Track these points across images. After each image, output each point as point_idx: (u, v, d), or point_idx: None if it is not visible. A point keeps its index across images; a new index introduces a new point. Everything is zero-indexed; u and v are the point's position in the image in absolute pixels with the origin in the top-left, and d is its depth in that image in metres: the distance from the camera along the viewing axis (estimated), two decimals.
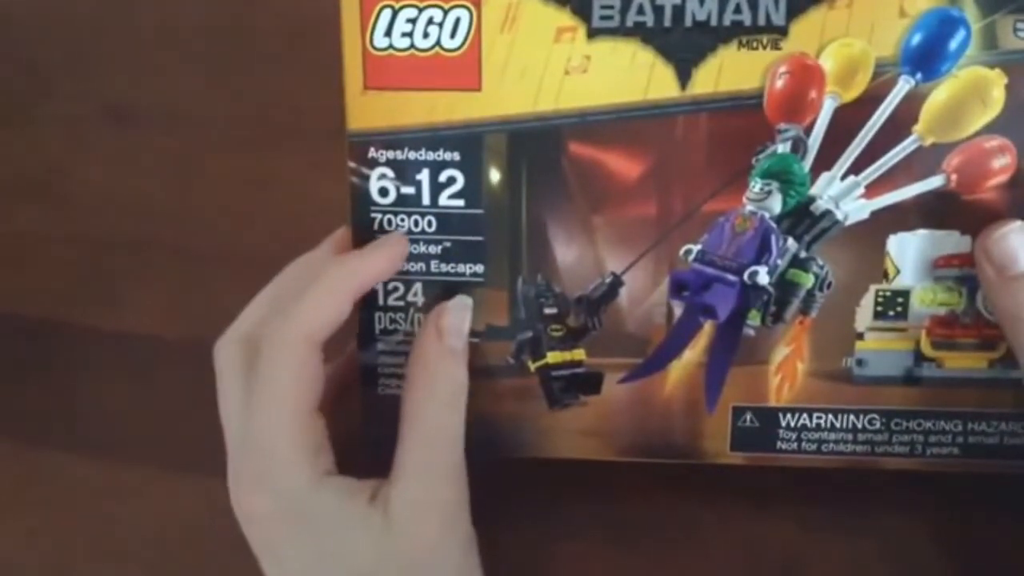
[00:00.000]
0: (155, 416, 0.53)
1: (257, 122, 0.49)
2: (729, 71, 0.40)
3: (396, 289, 0.44)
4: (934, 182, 0.41)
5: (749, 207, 0.42)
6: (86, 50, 0.51)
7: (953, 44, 0.39)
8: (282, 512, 0.40)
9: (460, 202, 0.43)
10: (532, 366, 0.44)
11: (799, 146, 0.41)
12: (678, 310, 0.43)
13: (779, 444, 0.44)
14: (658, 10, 0.40)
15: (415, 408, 0.41)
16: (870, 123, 0.40)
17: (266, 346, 0.40)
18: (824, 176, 0.41)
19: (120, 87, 0.51)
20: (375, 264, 0.42)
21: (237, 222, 0.51)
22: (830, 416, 0.44)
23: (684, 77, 0.41)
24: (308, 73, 0.48)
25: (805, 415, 0.44)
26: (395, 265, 0.43)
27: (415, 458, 0.41)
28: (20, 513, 0.54)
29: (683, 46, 0.40)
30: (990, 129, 0.40)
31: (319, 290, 0.41)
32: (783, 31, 0.40)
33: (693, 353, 0.44)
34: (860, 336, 0.43)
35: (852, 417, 0.44)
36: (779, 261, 0.42)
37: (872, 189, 0.41)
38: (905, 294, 0.42)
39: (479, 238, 0.43)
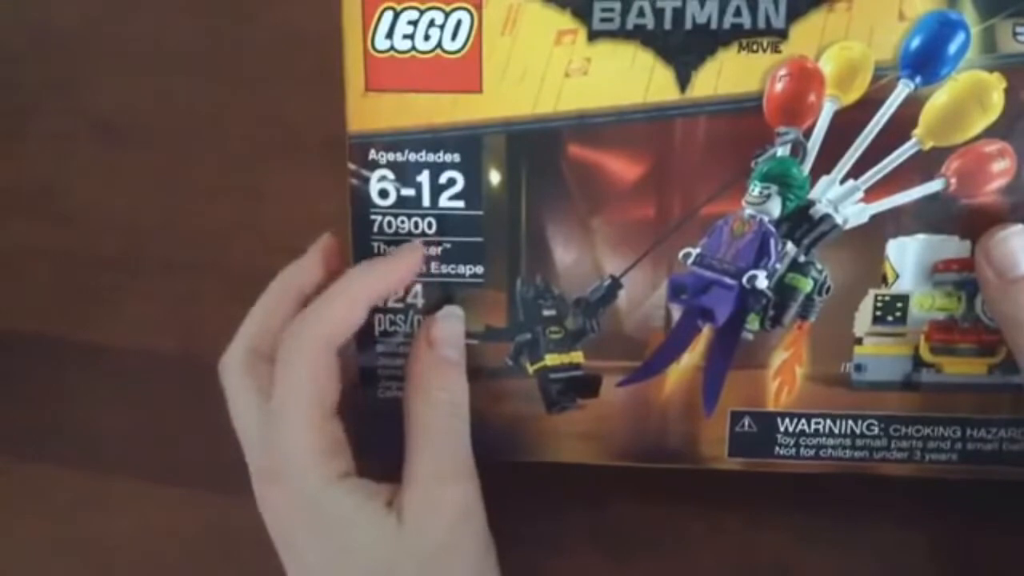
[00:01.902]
0: (146, 430, 0.53)
1: (247, 136, 0.50)
2: (729, 74, 0.41)
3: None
4: (933, 186, 0.41)
5: (748, 210, 0.42)
6: (74, 65, 0.51)
7: (952, 48, 0.39)
8: (299, 509, 0.41)
9: (460, 203, 0.43)
10: (530, 368, 0.44)
11: (798, 149, 0.41)
12: (677, 313, 0.43)
13: (777, 449, 0.44)
14: (658, 13, 0.40)
15: (415, 419, 0.42)
16: (869, 127, 0.40)
17: (284, 351, 0.41)
18: (823, 180, 0.41)
19: (108, 102, 0.51)
20: (392, 273, 0.43)
21: (227, 236, 0.51)
22: (828, 421, 0.44)
23: (684, 80, 0.41)
24: (298, 87, 0.49)
25: (803, 420, 0.44)
26: (412, 274, 0.43)
27: (421, 465, 0.41)
28: (10, 527, 0.54)
29: (683, 49, 0.41)
30: (989, 133, 0.40)
31: (337, 296, 0.42)
32: (783, 34, 0.40)
33: (691, 357, 0.43)
34: (859, 341, 0.43)
35: (850, 422, 0.43)
36: (778, 265, 0.42)
37: (871, 193, 0.41)
38: (904, 299, 0.42)
39: (479, 239, 0.43)
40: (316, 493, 0.41)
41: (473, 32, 0.41)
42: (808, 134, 0.41)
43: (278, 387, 0.41)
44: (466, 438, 0.42)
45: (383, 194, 0.43)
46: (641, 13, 0.40)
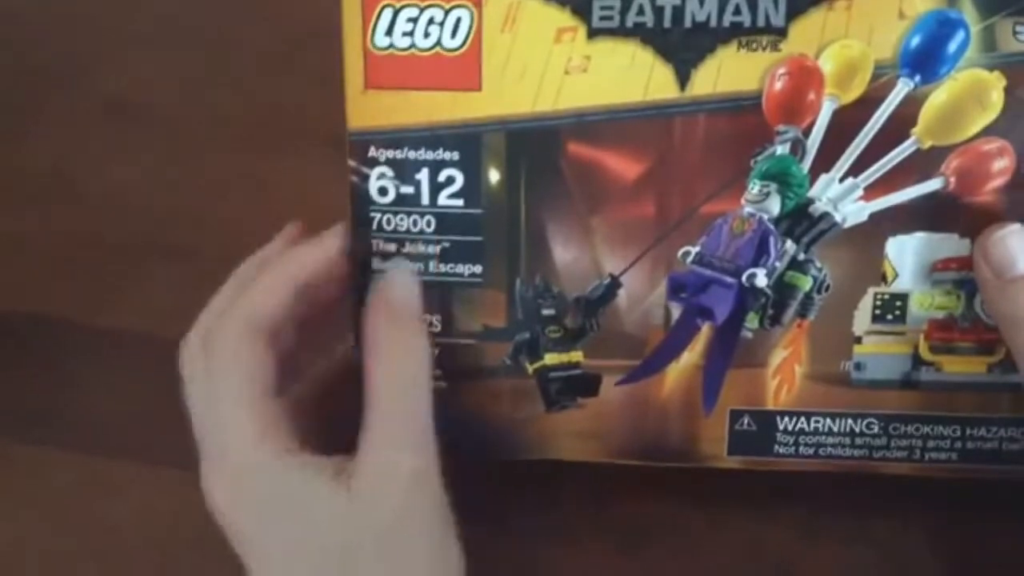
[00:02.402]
0: (148, 413, 0.52)
1: (255, 123, 0.50)
2: (728, 72, 0.40)
3: None
4: (933, 185, 0.41)
5: (747, 209, 0.42)
6: (85, 51, 0.51)
7: (952, 46, 0.39)
8: (244, 495, 0.40)
9: (459, 202, 0.43)
10: (529, 367, 0.44)
11: (798, 148, 0.41)
12: (676, 312, 0.43)
13: (776, 448, 0.44)
14: (658, 11, 0.40)
15: (372, 387, 0.41)
16: (869, 125, 0.40)
17: (209, 336, 0.42)
18: (823, 178, 0.41)
19: (119, 88, 0.51)
20: (310, 255, 0.43)
21: (234, 222, 0.51)
22: (828, 420, 0.44)
23: (683, 78, 0.41)
24: (307, 75, 0.48)
25: (803, 419, 0.44)
26: (330, 256, 0.43)
27: (376, 434, 0.40)
28: (12, 510, 0.53)
29: (683, 47, 0.41)
30: (989, 132, 0.40)
31: (259, 283, 0.42)
32: (782, 32, 0.40)
33: (691, 355, 0.43)
34: (858, 339, 0.43)
35: (850, 421, 0.43)
36: (777, 263, 0.42)
37: (871, 191, 0.41)
38: (903, 297, 0.42)
39: (478, 238, 0.43)
40: (257, 471, 0.40)
41: (473, 30, 0.41)
42: (807, 132, 0.41)
43: (211, 375, 0.41)
44: (426, 406, 0.41)
45: (382, 191, 0.43)
46: (641, 11, 0.40)
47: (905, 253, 0.42)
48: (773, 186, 0.41)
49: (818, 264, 0.42)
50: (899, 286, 0.42)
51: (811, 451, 0.44)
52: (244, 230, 0.50)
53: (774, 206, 0.41)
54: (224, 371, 0.41)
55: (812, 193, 0.41)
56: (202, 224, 0.51)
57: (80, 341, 0.53)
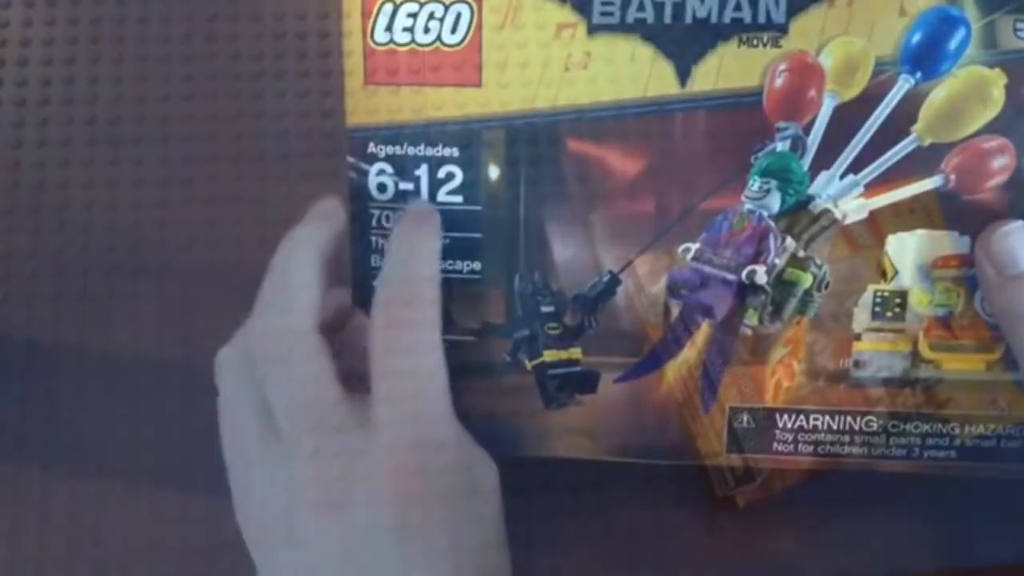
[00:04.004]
0: (145, 432, 0.52)
1: (244, 138, 0.49)
2: (729, 68, 0.40)
3: None
4: (933, 182, 0.41)
5: (748, 205, 0.42)
6: (71, 68, 0.51)
7: (953, 43, 0.39)
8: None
9: (458, 198, 0.43)
10: (528, 364, 0.44)
11: (798, 144, 0.41)
12: (675, 309, 0.43)
13: (775, 445, 0.44)
14: (658, 7, 0.40)
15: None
16: (869, 122, 0.40)
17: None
18: (823, 175, 0.41)
19: (105, 105, 0.51)
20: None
21: (224, 239, 0.50)
22: (827, 417, 0.43)
23: (684, 74, 0.41)
24: (296, 88, 0.48)
25: (802, 416, 0.44)
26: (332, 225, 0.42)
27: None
28: (9, 531, 0.53)
29: (683, 43, 0.41)
30: (989, 129, 0.40)
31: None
32: (783, 29, 0.40)
33: (690, 352, 0.43)
34: (857, 337, 0.43)
35: (849, 418, 0.43)
36: (777, 260, 0.42)
37: (871, 188, 0.41)
38: (903, 295, 0.42)
39: (477, 235, 0.43)
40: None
41: (473, 25, 0.41)
42: (808, 129, 0.41)
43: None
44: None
45: (382, 188, 0.43)
46: (641, 7, 0.40)
47: (905, 250, 0.42)
48: (773, 183, 0.41)
49: (818, 261, 0.42)
50: (899, 283, 0.42)
51: (810, 448, 0.44)
52: (236, 246, 0.50)
53: (774, 203, 0.41)
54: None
55: (812, 190, 0.41)
56: (193, 242, 0.51)
57: (74, 363, 0.52)
